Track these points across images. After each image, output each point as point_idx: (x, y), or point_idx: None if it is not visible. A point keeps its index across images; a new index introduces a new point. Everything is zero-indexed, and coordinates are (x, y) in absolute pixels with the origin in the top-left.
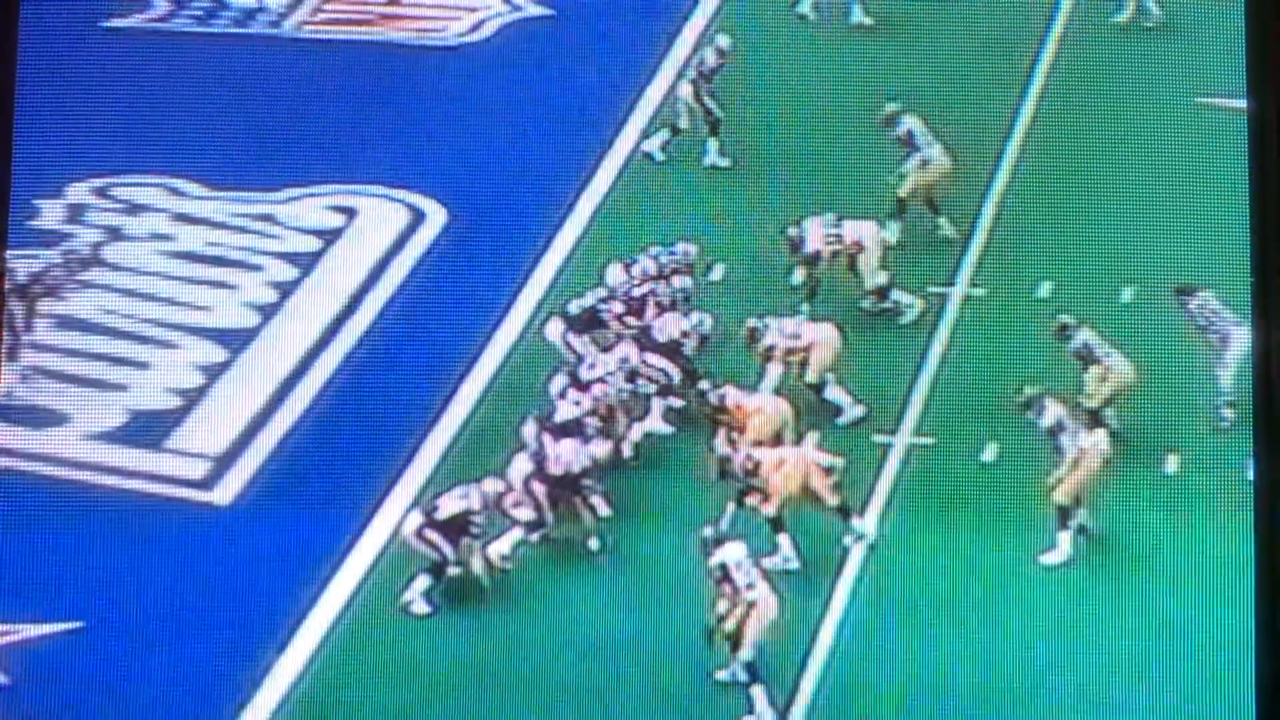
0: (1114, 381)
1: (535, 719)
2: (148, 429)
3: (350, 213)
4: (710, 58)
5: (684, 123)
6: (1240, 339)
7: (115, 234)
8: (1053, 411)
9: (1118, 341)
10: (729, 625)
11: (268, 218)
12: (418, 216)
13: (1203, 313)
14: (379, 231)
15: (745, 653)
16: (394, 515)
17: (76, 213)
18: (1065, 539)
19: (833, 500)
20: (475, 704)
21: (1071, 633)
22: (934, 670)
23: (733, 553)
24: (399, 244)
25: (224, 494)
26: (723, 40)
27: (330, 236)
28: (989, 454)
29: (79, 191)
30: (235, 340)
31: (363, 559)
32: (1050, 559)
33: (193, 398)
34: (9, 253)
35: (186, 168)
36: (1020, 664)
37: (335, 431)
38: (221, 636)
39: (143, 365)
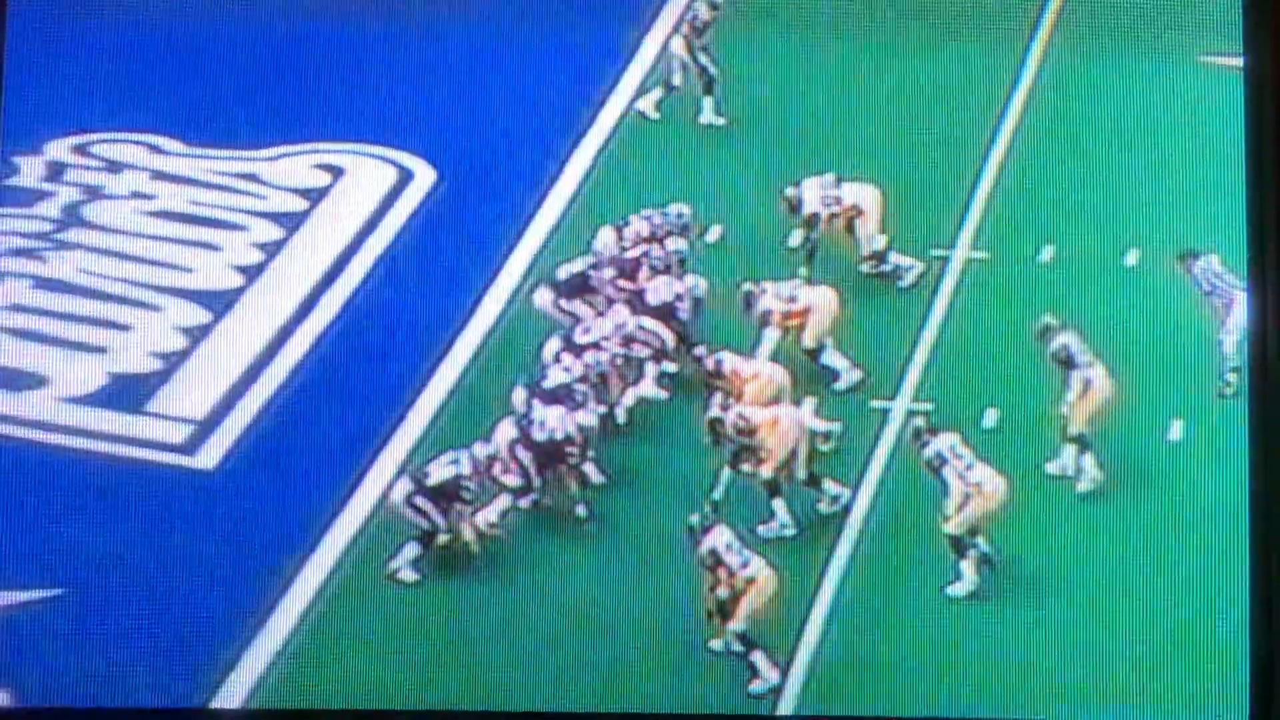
0: (1094, 397)
1: (525, 688)
2: (128, 392)
3: (336, 171)
4: (703, 11)
5: (677, 80)
6: (1243, 304)
7: (95, 193)
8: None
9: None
10: (720, 593)
11: (252, 176)
12: (405, 176)
13: (1206, 277)
14: (366, 191)
15: (738, 623)
16: (381, 481)
17: (56, 171)
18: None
19: (803, 472)
20: (463, 672)
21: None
22: (934, 638)
23: (721, 537)
24: (386, 204)
25: (207, 458)
26: None
27: (316, 196)
28: (989, 419)
29: (59, 149)
30: (218, 302)
31: (349, 525)
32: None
33: (175, 360)
34: None
35: (168, 124)
36: (1018, 628)
37: (321, 396)
38: (204, 603)
39: (123, 327)
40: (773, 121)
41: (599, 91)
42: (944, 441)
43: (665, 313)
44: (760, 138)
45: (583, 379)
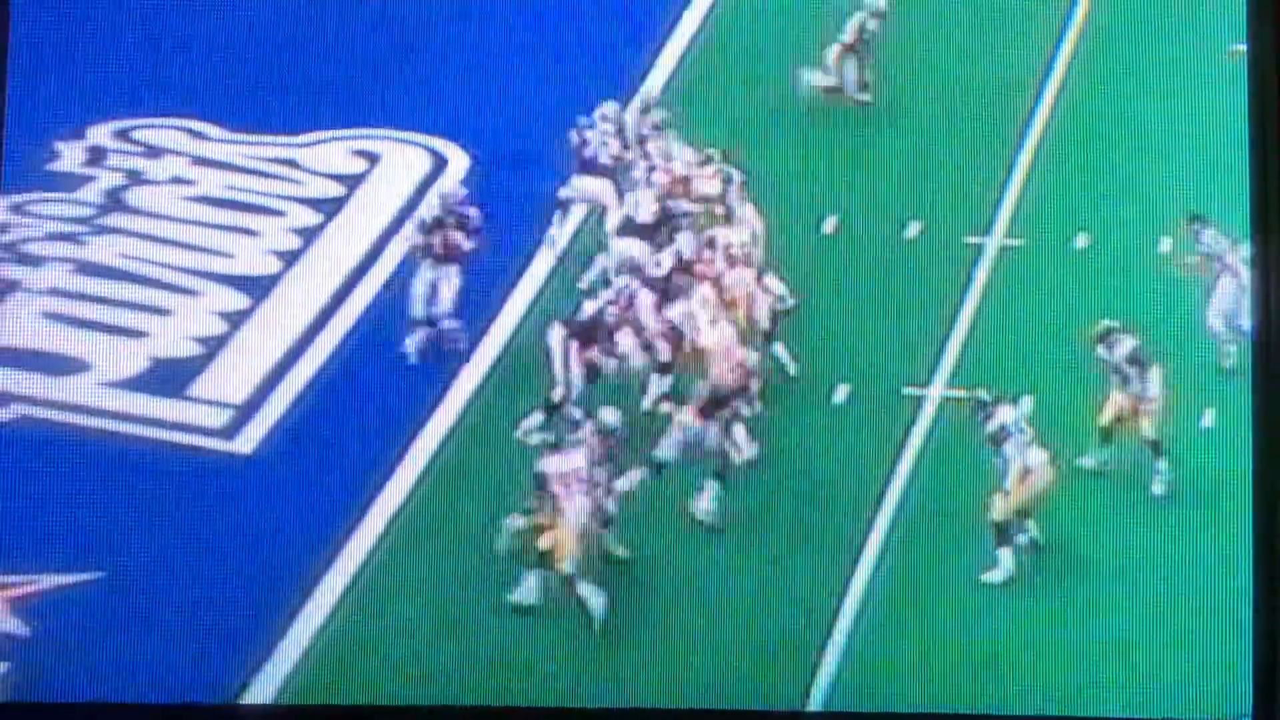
0: (1156, 401)
1: (581, 666)
2: (169, 377)
3: (373, 158)
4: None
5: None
6: (1236, 275)
7: (136, 178)
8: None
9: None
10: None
11: (290, 162)
12: (440, 162)
13: (1214, 246)
14: (402, 177)
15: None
16: (418, 465)
17: (97, 155)
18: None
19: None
20: (515, 647)
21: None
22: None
23: (1008, 413)
24: (422, 190)
25: (246, 443)
26: None
27: (353, 182)
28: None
29: (100, 133)
30: (257, 287)
31: (386, 510)
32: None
33: (214, 345)
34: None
35: (207, 110)
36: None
37: (359, 380)
38: (244, 587)
39: (163, 312)
40: None
41: (638, 72)
42: (1008, 415)
43: None
44: None
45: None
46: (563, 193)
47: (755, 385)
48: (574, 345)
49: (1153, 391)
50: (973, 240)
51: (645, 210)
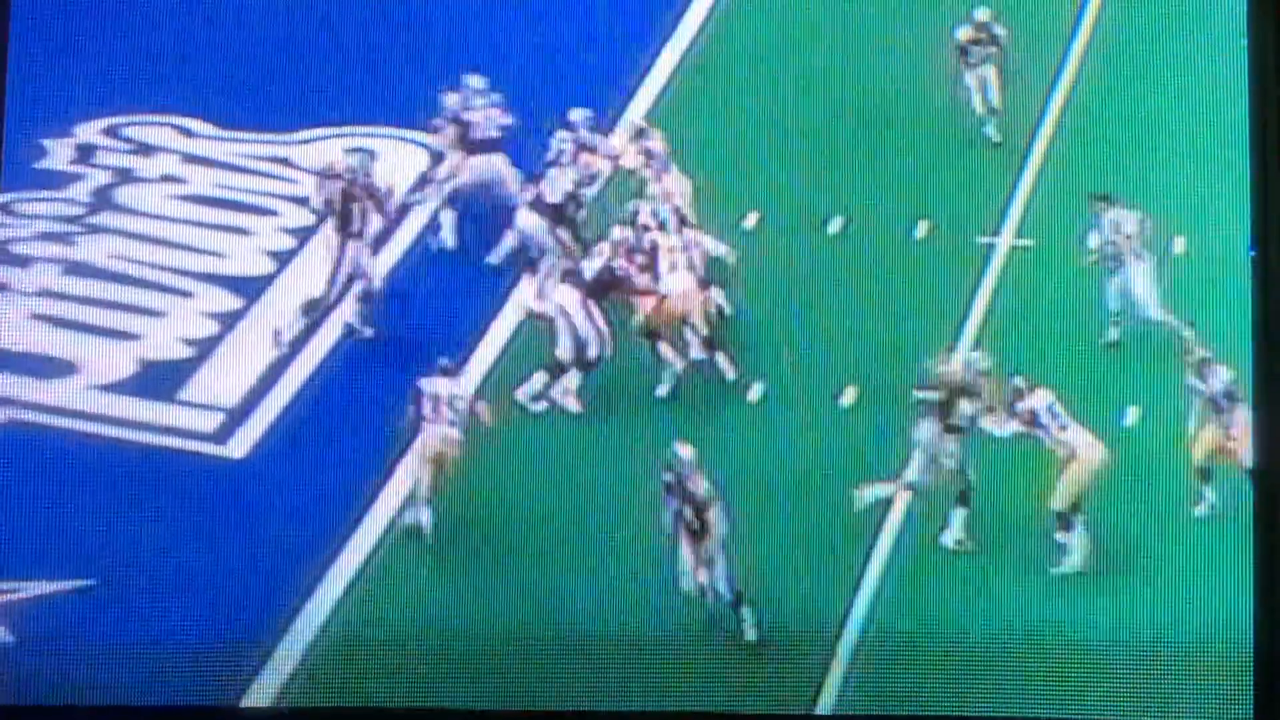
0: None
1: (568, 675)
2: (160, 379)
3: (370, 155)
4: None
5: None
6: (1140, 271)
7: (126, 176)
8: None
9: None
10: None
11: (282, 160)
12: (436, 159)
13: (1111, 226)
14: (397, 175)
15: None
16: (413, 468)
17: (86, 153)
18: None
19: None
20: (507, 654)
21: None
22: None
23: (1041, 398)
24: (417, 188)
25: (238, 447)
26: None
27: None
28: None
29: (89, 131)
30: (250, 288)
31: (382, 513)
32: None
33: (206, 347)
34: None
35: (198, 107)
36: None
37: (353, 382)
38: (236, 593)
39: (154, 313)
40: None
41: (636, 74)
42: (1040, 399)
43: None
44: None
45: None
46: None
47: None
48: (592, 303)
49: (1240, 421)
50: (984, 240)
51: (558, 191)
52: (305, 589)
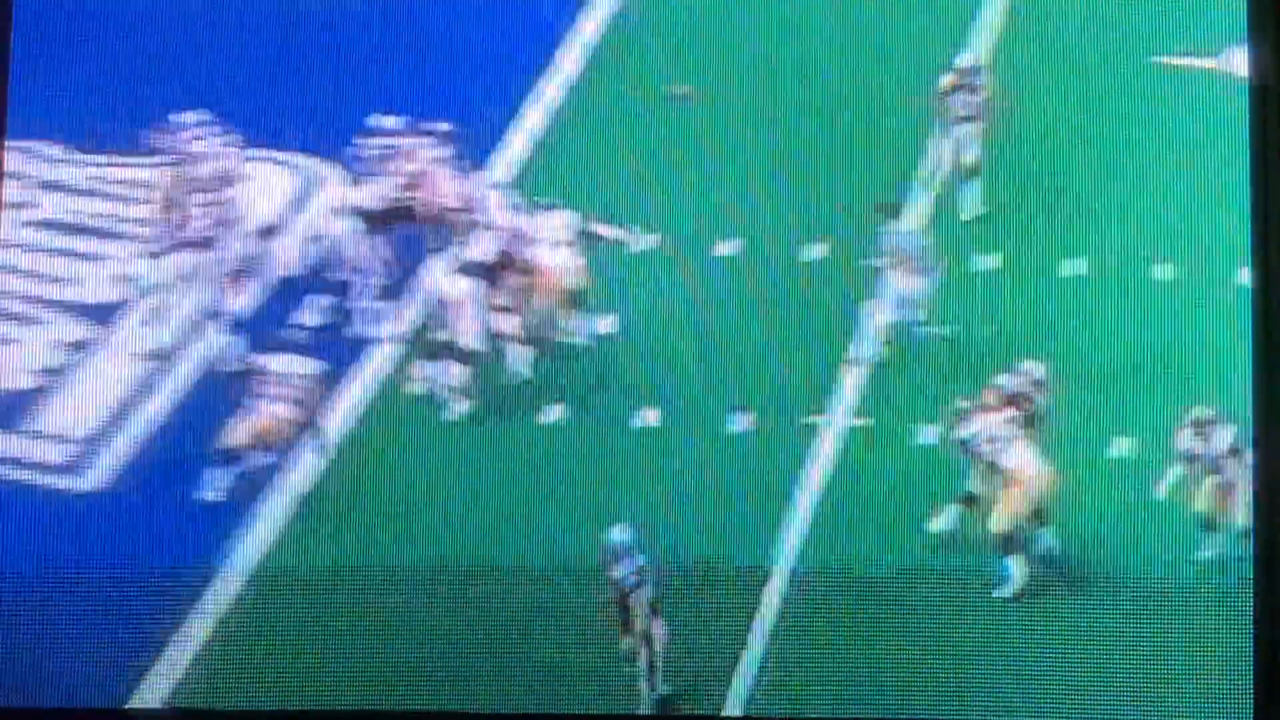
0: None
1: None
2: (8, 410)
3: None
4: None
5: None
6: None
7: None
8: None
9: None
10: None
11: (141, 184)
12: (310, 181)
13: (893, 237)
14: (265, 199)
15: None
16: (279, 505)
17: None
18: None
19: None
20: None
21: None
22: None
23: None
24: (290, 210)
25: (92, 479)
26: None
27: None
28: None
29: None
30: (103, 315)
31: (252, 549)
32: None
33: (55, 377)
34: None
35: (49, 130)
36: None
37: (215, 416)
38: (97, 629)
39: (4, 341)
40: None
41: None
42: (978, 425)
43: None
44: None
45: None
46: None
47: None
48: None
49: (1240, 473)
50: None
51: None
52: (164, 632)
